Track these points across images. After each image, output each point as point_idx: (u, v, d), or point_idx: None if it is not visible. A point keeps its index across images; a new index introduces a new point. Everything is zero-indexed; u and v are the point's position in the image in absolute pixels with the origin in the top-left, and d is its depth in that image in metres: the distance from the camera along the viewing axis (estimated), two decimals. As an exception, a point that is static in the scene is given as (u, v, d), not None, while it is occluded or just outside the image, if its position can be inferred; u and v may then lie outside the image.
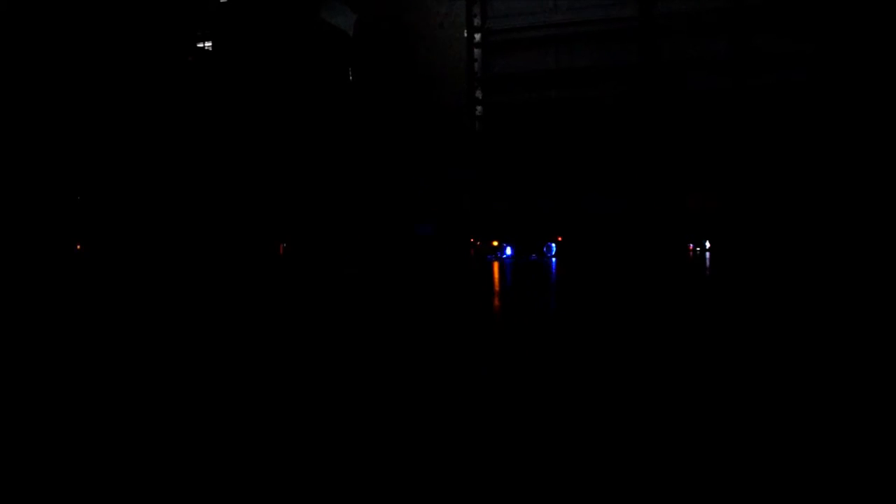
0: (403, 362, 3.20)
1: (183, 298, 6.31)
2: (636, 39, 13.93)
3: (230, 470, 1.80)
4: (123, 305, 5.69)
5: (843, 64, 12.71)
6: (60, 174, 10.49)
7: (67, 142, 10.64)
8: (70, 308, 5.53)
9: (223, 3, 14.11)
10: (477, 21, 15.03)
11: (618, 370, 2.98)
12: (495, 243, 14.87)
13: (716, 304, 5.52)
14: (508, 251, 15.35)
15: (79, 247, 11.02)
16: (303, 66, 14.55)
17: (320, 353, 3.47)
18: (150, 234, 11.67)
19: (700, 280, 8.33)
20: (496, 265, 12.59)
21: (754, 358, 3.22)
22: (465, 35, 15.26)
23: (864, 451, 1.88)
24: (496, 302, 5.89)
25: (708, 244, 14.90)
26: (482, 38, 15.01)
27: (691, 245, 15.04)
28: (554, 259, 14.85)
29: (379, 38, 16.18)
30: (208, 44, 14.12)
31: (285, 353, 3.50)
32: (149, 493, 1.64)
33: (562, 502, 1.55)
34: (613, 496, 1.58)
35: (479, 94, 15.20)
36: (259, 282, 8.37)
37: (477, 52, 15.11)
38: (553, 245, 15.04)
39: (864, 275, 8.69)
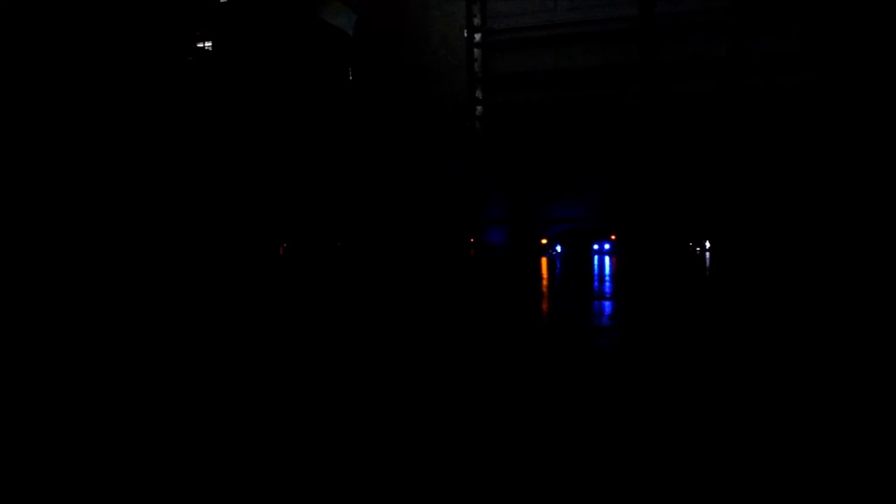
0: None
1: (185, 298, 6.31)
2: (636, 39, 13.97)
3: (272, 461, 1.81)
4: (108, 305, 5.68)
5: (842, 65, 12.75)
6: (59, 175, 10.48)
7: (65, 141, 10.63)
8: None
9: (223, 3, 14.11)
10: (477, 21, 15.05)
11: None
12: (544, 241, 15.00)
13: (716, 297, 5.54)
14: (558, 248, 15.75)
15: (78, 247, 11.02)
16: (303, 66, 14.55)
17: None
18: (151, 233, 11.67)
19: (701, 276, 8.36)
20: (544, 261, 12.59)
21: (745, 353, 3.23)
22: (465, 35, 15.28)
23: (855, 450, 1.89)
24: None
25: (708, 244, 14.93)
26: (482, 38, 15.04)
27: (690, 244, 15.07)
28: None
29: (379, 38, 16.19)
30: (208, 44, 14.12)
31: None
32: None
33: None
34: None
35: (479, 93, 15.22)
36: (268, 281, 8.37)
37: (477, 51, 15.13)
38: (602, 244, 15.32)
39: (863, 273, 8.72)
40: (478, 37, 15.09)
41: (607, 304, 5.33)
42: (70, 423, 2.15)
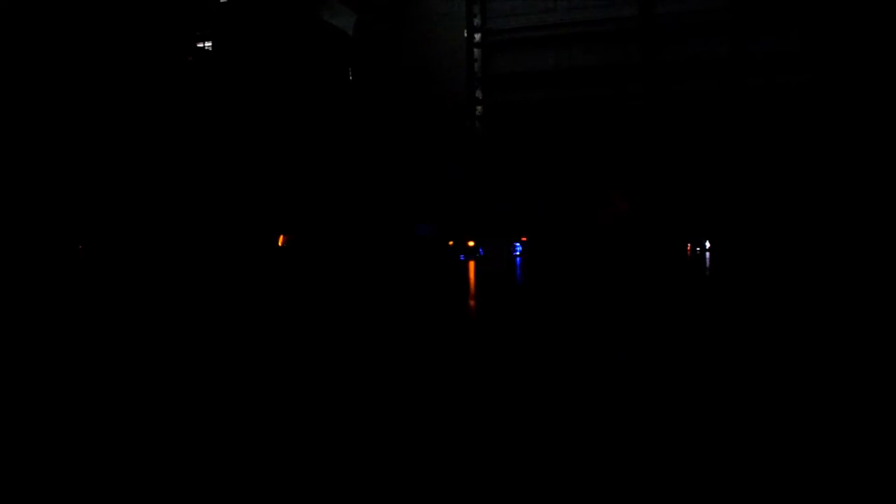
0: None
1: (194, 298, 6.33)
2: (636, 39, 13.95)
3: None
4: (128, 306, 5.70)
5: (842, 65, 12.74)
6: (59, 174, 10.49)
7: (66, 141, 10.64)
8: (73, 309, 5.54)
9: (223, 3, 14.11)
10: (477, 21, 15.04)
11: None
12: (471, 243, 14.30)
13: (712, 303, 5.54)
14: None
15: (81, 247, 11.03)
16: (303, 66, 14.55)
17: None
18: (152, 233, 11.68)
19: (700, 279, 8.36)
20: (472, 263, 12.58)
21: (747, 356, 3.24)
22: (465, 35, 15.27)
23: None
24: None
25: (708, 244, 14.91)
26: (482, 38, 15.02)
27: (689, 245, 15.04)
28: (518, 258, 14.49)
29: (379, 37, 16.19)
30: (208, 44, 14.12)
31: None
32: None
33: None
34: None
35: (478, 93, 15.21)
36: (262, 279, 8.39)
37: (477, 51, 15.12)
38: (518, 244, 14.41)
39: (862, 275, 8.72)
40: (478, 37, 15.08)
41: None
42: (65, 425, 2.16)
